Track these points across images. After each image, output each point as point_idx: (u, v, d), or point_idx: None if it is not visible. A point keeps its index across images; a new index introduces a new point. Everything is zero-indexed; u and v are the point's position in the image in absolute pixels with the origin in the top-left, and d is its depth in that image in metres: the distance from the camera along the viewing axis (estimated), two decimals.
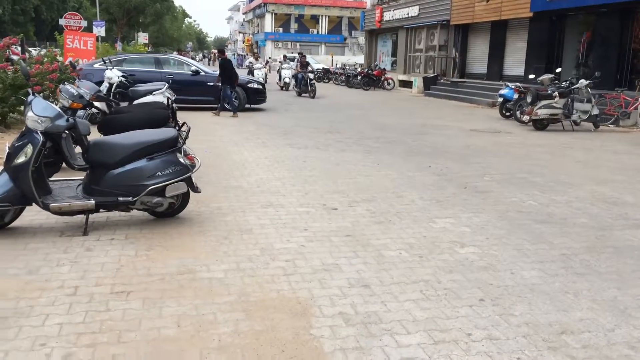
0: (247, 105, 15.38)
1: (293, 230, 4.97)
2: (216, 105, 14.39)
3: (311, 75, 21.22)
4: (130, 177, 4.71)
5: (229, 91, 14.28)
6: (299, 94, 21.27)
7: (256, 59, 28.74)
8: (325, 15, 66.27)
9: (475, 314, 3.41)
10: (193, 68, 15.24)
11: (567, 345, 3.06)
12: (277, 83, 25.28)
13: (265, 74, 26.18)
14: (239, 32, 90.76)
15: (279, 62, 29.54)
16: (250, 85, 15.57)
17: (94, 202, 4.64)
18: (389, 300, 3.58)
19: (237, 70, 15.18)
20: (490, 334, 3.18)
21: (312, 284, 3.81)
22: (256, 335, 3.09)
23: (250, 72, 24.84)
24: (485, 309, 3.49)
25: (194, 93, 14.88)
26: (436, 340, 3.08)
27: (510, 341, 3.09)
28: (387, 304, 3.53)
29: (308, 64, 22.26)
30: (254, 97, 15.50)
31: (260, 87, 15.81)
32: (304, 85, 20.99)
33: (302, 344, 3.01)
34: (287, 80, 24.23)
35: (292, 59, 42.25)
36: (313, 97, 20.22)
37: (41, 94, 9.17)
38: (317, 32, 66.89)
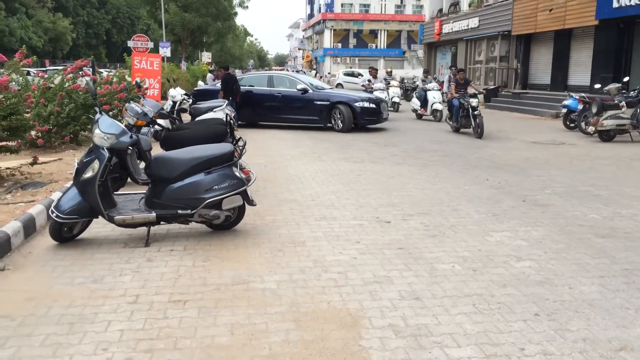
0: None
1: (346, 242, 5.01)
2: (321, 125, 14.35)
3: (474, 102, 12.93)
4: (188, 190, 4.90)
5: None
6: (457, 129, 13.89)
7: (374, 77, 20.27)
8: (384, 30, 66.41)
9: (530, 329, 3.34)
10: (300, 86, 14.44)
11: None
12: (416, 110, 18.05)
13: (394, 97, 20.36)
14: (299, 49, 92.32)
15: (384, 78, 20.67)
16: (359, 103, 13.91)
17: (155, 214, 4.86)
18: (440, 313, 3.55)
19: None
20: (545, 349, 3.10)
21: (363, 295, 3.84)
22: (305, 345, 3.15)
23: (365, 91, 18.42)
24: (540, 324, 3.40)
25: (297, 112, 14.50)
26: (487, 354, 3.04)
27: (565, 357, 3.01)
28: (438, 317, 3.51)
29: (468, 82, 14.33)
30: (362, 117, 13.96)
31: (373, 106, 14.05)
32: (463, 116, 13.44)
33: (350, 355, 3.04)
34: (438, 106, 17.04)
35: (352, 74, 40.91)
36: (480, 136, 12.68)
37: (110, 113, 9.68)
38: (376, 46, 67.08)
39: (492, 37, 25.24)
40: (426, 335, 3.26)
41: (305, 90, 14.36)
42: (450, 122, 14.12)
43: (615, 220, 5.78)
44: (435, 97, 17.24)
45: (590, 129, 12.50)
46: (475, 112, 12.84)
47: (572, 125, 14.35)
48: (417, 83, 19.72)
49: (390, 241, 5.06)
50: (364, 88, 18.83)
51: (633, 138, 12.28)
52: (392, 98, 20.02)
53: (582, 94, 14.18)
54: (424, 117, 17.73)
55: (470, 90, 13.60)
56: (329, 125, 14.21)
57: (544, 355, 3.02)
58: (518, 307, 3.65)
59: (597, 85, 14.64)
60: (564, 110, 14.68)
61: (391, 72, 23.91)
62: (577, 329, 3.34)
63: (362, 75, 38.54)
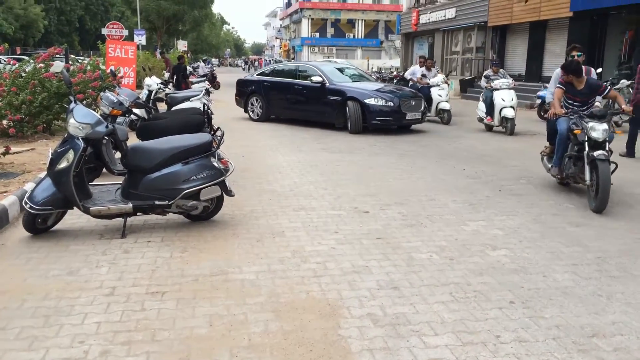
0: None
1: (324, 233, 5.02)
2: (332, 124, 12.36)
3: (598, 131, 5.97)
4: (166, 181, 4.85)
5: None
6: (562, 181, 6.91)
7: (428, 68, 14.59)
8: (362, 19, 66.22)
9: (505, 316, 3.40)
10: (316, 78, 12.50)
11: (597, 348, 3.02)
12: (482, 119, 12.55)
13: (441, 102, 13.75)
14: (276, 38, 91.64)
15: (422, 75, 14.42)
16: (369, 100, 11.58)
17: (131, 205, 4.81)
18: (417, 302, 3.59)
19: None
20: (520, 336, 3.16)
21: (342, 285, 3.86)
22: (285, 335, 3.16)
23: (419, 91, 13.41)
24: (515, 312, 3.47)
25: (312, 108, 12.77)
26: (464, 342, 3.08)
27: (539, 343, 3.07)
28: (416, 305, 3.55)
29: (594, 88, 6.58)
30: (372, 117, 11.59)
31: (390, 104, 11.53)
32: (573, 159, 6.39)
33: (330, 344, 3.06)
34: (508, 113, 11.79)
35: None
36: (599, 208, 5.75)
37: (84, 102, 9.51)
38: (354, 36, 66.86)
39: (468, 27, 25.38)
40: (404, 324, 3.30)
41: (322, 83, 12.43)
42: (550, 165, 6.83)
43: (588, 210, 5.88)
44: (504, 100, 11.89)
45: None
46: (597, 154, 5.87)
47: (546, 115, 14.52)
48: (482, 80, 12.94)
49: (368, 231, 5.08)
50: (411, 82, 14.68)
51: None
52: (438, 103, 13.82)
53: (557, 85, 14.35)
54: (494, 129, 12.49)
55: (599, 104, 6.96)
56: (344, 124, 12.10)
57: (519, 342, 3.08)
58: (494, 295, 3.71)
59: None
60: (539, 101, 14.87)
61: (434, 63, 16.26)
62: (550, 316, 3.41)
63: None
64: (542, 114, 14.63)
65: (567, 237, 4.98)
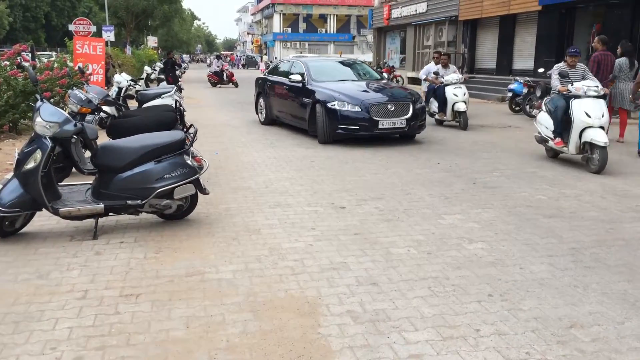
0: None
1: (301, 229, 4.98)
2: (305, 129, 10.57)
3: None
4: (138, 180, 4.74)
5: None
6: None
7: (445, 65, 12.52)
8: (334, 14, 66.25)
9: (484, 310, 3.40)
10: (295, 77, 10.66)
11: (576, 339, 3.04)
12: (545, 140, 8.09)
13: (457, 103, 11.75)
14: (248, 33, 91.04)
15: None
16: (333, 104, 9.47)
17: (102, 205, 4.68)
18: (397, 298, 3.57)
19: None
20: (499, 329, 3.16)
21: (321, 282, 3.82)
22: (264, 335, 3.10)
23: (435, 91, 12.21)
24: (493, 305, 3.47)
25: (292, 111, 11.08)
26: (444, 337, 3.07)
27: (519, 336, 3.08)
28: (395, 301, 3.53)
29: None
30: (334, 123, 9.51)
31: (357, 109, 9.32)
32: None
33: (310, 343, 3.02)
34: (597, 137, 7.12)
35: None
36: None
37: (51, 100, 9.28)
38: (326, 31, 66.85)
39: (439, 22, 25.55)
40: (384, 320, 3.27)
41: (302, 82, 10.58)
42: None
43: (560, 201, 5.96)
44: (590, 115, 7.28)
45: (535, 112, 12.81)
46: None
47: (517, 108, 14.73)
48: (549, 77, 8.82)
49: (345, 227, 5.05)
50: (427, 83, 12.76)
51: None
52: (453, 104, 11.81)
53: (527, 78, 14.56)
54: (562, 155, 8.30)
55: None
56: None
57: (499, 335, 3.09)
58: (472, 289, 3.71)
59: (541, 70, 15.03)
60: (510, 94, 15.07)
61: (448, 57, 13.21)
62: (529, 308, 3.43)
63: None
64: (514, 106, 14.84)
65: (542, 228, 5.02)
